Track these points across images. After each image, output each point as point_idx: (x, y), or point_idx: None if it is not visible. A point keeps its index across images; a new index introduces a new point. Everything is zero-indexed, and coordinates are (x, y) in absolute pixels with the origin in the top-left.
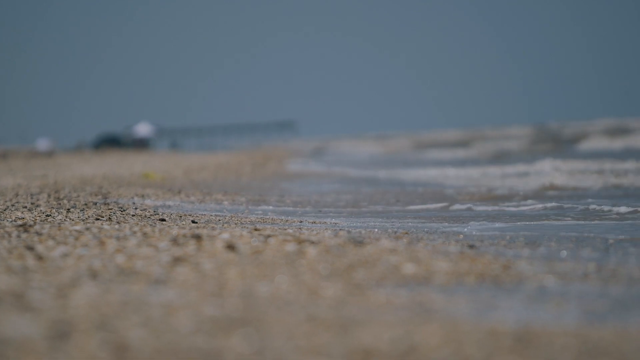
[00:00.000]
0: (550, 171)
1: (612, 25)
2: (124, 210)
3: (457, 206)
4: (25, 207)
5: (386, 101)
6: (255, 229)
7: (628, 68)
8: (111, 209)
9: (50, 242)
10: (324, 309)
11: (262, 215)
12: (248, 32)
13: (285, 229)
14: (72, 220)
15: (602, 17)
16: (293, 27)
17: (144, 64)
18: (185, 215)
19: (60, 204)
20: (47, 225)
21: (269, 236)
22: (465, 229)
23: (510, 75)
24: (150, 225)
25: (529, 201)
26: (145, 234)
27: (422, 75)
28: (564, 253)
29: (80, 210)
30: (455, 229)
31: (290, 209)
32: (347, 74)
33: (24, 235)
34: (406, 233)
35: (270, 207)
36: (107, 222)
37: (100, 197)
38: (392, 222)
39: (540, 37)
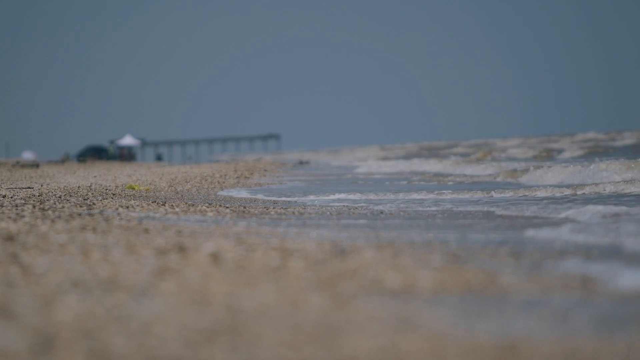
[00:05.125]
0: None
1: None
2: (109, 221)
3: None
4: (10, 217)
5: (367, 116)
6: (240, 240)
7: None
8: (96, 219)
9: (35, 253)
10: (308, 319)
11: (246, 227)
12: (234, 44)
13: (270, 240)
14: (57, 230)
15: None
16: (280, 40)
17: (128, 78)
18: (169, 226)
19: (45, 214)
20: (32, 236)
21: (253, 247)
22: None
23: (502, 89)
24: (135, 236)
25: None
26: (129, 244)
27: (409, 88)
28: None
29: (65, 221)
30: None
31: (275, 220)
32: (331, 87)
33: (8, 246)
34: (390, 244)
35: (254, 219)
36: (92, 233)
37: (85, 208)
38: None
39: (538, 48)
